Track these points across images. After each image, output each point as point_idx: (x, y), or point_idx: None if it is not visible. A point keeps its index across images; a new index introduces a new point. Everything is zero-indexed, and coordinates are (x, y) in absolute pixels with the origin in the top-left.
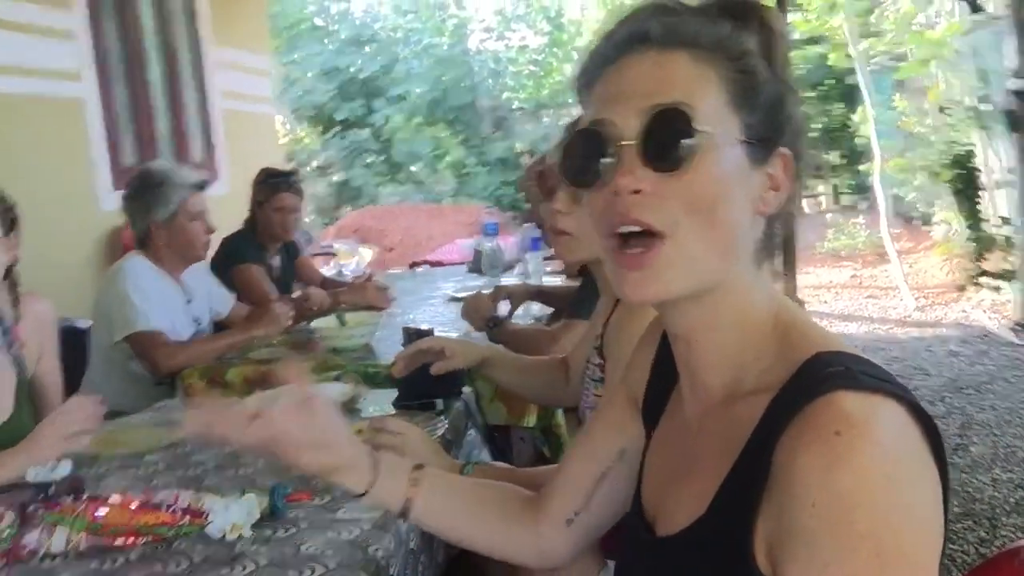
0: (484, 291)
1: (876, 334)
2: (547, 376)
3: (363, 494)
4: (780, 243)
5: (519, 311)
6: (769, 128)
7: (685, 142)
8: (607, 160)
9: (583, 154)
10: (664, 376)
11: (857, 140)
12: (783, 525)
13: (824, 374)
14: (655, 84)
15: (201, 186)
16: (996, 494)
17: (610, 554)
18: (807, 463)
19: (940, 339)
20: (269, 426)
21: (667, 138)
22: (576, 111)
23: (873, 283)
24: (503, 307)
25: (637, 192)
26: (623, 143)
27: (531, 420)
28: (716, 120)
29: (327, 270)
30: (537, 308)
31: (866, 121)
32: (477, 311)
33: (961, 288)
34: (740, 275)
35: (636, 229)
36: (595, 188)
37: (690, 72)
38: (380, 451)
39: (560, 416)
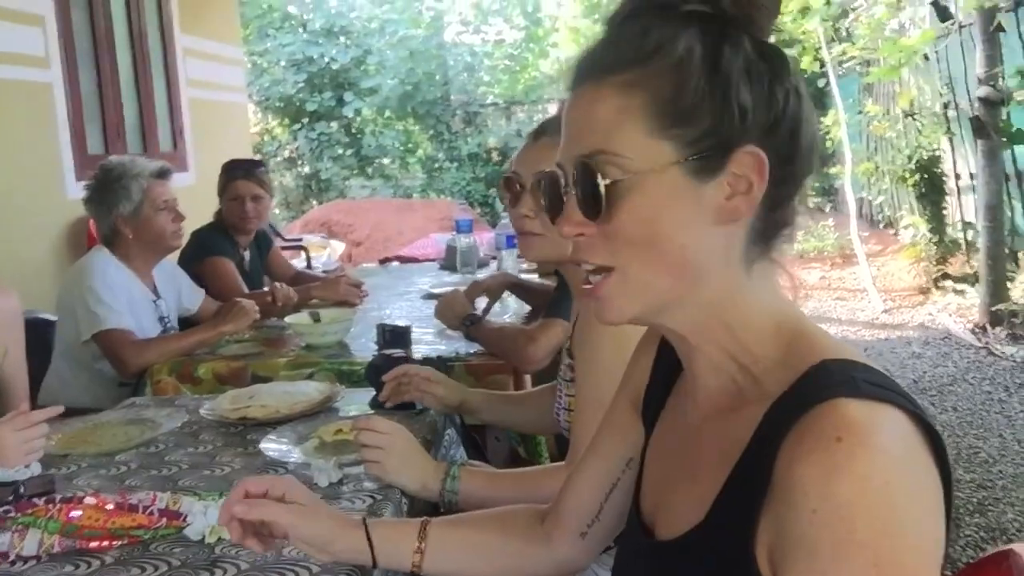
0: (459, 288)
1: (845, 336)
2: (538, 407)
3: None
4: (785, 236)
5: (496, 307)
6: (719, 134)
7: (605, 190)
8: (561, 204)
9: (549, 193)
10: (664, 376)
11: (824, 144)
12: (783, 532)
13: (826, 381)
14: (582, 129)
15: (163, 173)
16: (959, 494)
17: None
18: (807, 470)
19: (904, 341)
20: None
21: (589, 188)
22: (548, 109)
23: (841, 285)
24: (480, 303)
25: (580, 235)
26: (568, 191)
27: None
28: (642, 154)
29: (297, 263)
30: (514, 302)
31: (837, 124)
32: (452, 309)
33: (926, 291)
34: (716, 288)
35: (587, 266)
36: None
37: (612, 108)
38: (371, 521)
39: None
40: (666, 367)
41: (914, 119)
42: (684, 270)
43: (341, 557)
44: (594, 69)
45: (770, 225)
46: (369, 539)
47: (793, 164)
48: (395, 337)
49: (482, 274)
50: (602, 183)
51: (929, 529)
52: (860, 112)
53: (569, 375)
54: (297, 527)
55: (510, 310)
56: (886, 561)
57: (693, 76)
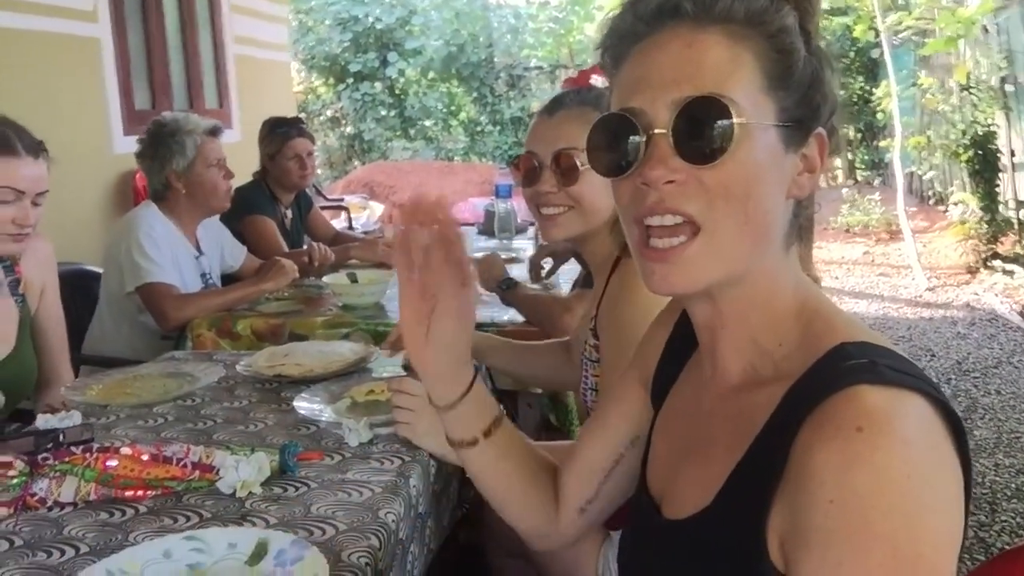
0: (495, 252)
1: (887, 313)
2: (548, 360)
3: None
4: (808, 224)
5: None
6: (805, 109)
7: (720, 133)
8: (636, 149)
9: (610, 142)
10: (677, 353)
11: (876, 115)
12: (797, 520)
13: (846, 366)
14: (687, 71)
15: (215, 131)
16: (997, 479)
17: (613, 525)
18: (825, 459)
19: (949, 321)
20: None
21: (701, 130)
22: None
23: (886, 261)
24: (546, 264)
25: (670, 183)
26: (655, 133)
27: (539, 387)
28: (751, 107)
29: (337, 223)
30: (568, 268)
31: (888, 96)
32: (490, 271)
33: (974, 270)
34: (770, 262)
35: (667, 221)
36: (623, 177)
37: (724, 55)
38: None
39: None
40: (680, 344)
41: (970, 93)
42: (763, 236)
43: (440, 374)
44: (696, 12)
45: (800, 211)
46: (470, 385)
47: (833, 154)
48: None
49: (519, 240)
50: (722, 124)
51: (949, 519)
52: (914, 84)
53: (595, 355)
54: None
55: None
56: (904, 553)
57: (798, 45)
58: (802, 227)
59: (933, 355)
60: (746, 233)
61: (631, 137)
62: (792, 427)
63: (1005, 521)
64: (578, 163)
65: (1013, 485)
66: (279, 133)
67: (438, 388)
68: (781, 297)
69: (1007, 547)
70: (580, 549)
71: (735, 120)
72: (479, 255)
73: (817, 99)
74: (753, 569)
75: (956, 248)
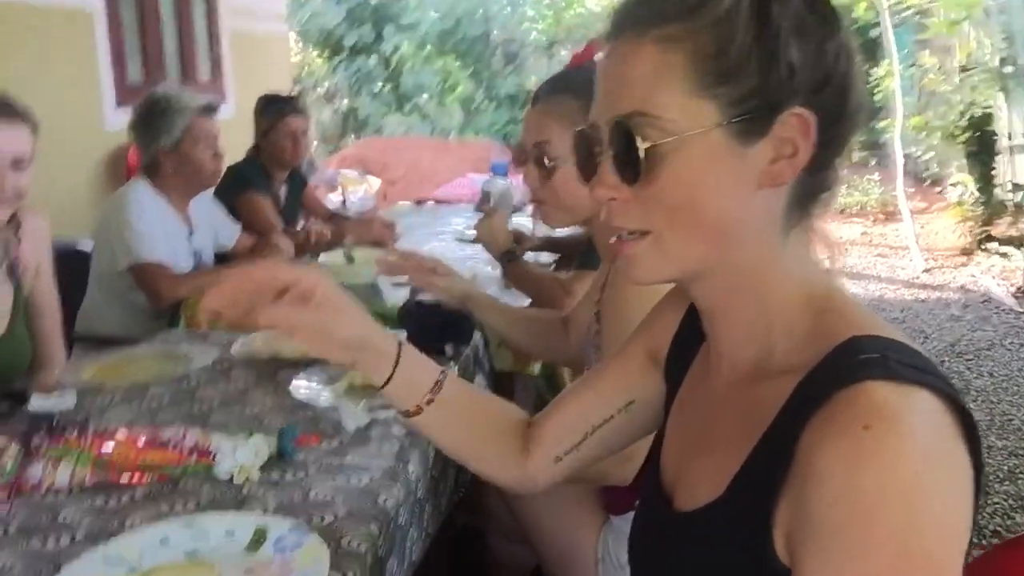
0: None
1: (883, 294)
2: (541, 330)
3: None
4: (824, 200)
5: (527, 255)
6: (761, 97)
7: (644, 152)
8: (595, 165)
9: (582, 154)
10: (690, 338)
11: (874, 96)
12: (803, 517)
13: (856, 360)
14: (618, 88)
15: (208, 109)
16: (990, 460)
17: (614, 510)
18: (832, 457)
19: (943, 303)
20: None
21: (625, 151)
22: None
23: (883, 241)
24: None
25: (613, 199)
26: (604, 153)
27: (536, 368)
28: (683, 115)
29: (333, 197)
30: (546, 257)
31: (889, 76)
32: (495, 236)
33: (969, 252)
34: (751, 254)
35: (622, 233)
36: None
37: (649, 67)
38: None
39: None
40: (692, 331)
41: (969, 74)
42: (721, 237)
43: (359, 361)
44: (634, 22)
45: (810, 189)
46: (397, 358)
47: (840, 126)
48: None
49: (517, 218)
50: (640, 146)
51: (957, 517)
52: (913, 64)
53: (597, 341)
54: (331, 325)
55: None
56: (911, 552)
57: (739, 31)
58: (811, 210)
59: (927, 337)
60: (696, 237)
61: (592, 155)
62: (800, 422)
63: (997, 503)
64: (546, 160)
65: (1006, 467)
66: (274, 110)
67: (363, 371)
68: (780, 288)
69: (999, 529)
70: (579, 533)
71: (660, 136)
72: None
73: (781, 80)
74: (761, 563)
75: (953, 229)
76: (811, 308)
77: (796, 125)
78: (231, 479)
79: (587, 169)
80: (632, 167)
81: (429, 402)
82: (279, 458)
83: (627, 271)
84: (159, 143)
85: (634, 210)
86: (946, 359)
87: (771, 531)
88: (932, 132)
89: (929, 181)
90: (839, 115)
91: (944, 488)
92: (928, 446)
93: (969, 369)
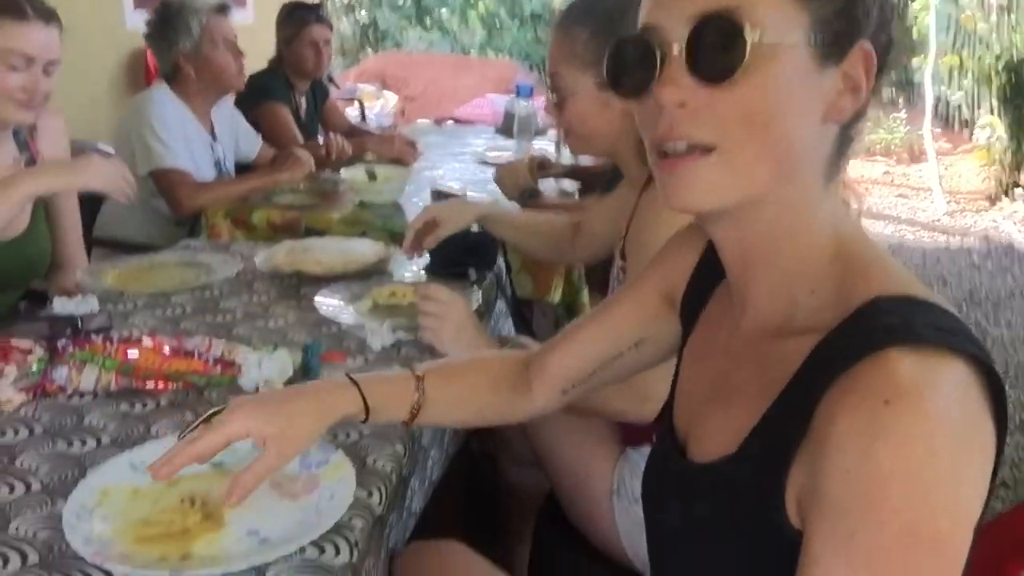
0: (520, 159)
1: (903, 237)
2: (552, 235)
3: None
4: (854, 151)
5: (549, 182)
6: (846, 21)
7: (736, 51)
8: (652, 69)
9: (628, 62)
10: (706, 279)
11: (908, 32)
12: (816, 484)
13: (880, 325)
14: None
15: (222, 8)
16: None
17: (631, 442)
18: (848, 429)
19: (964, 249)
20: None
21: (716, 47)
22: None
23: (905, 182)
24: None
25: (683, 106)
26: (669, 51)
27: (556, 296)
28: (777, 20)
29: (351, 112)
30: (569, 184)
31: (926, 10)
32: (514, 179)
33: (994, 198)
34: (800, 193)
35: (680, 147)
36: (640, 99)
37: None
38: (360, 379)
39: (585, 295)
40: (709, 271)
41: (1010, 15)
42: (785, 164)
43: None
44: None
45: (850, 135)
46: (364, 400)
47: (887, 65)
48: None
49: (539, 142)
50: (748, 38)
51: (971, 491)
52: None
53: (622, 277)
54: (285, 457)
55: (562, 190)
56: (920, 529)
57: None
58: (847, 158)
59: (946, 283)
60: (766, 159)
61: (647, 56)
62: (819, 388)
63: (1008, 454)
64: (557, 91)
65: (1018, 418)
66: (296, 18)
67: (333, 423)
68: (815, 236)
69: (1007, 480)
70: (595, 463)
71: (755, 36)
72: (497, 155)
73: (860, 9)
74: (772, 523)
75: (978, 173)
76: (837, 263)
77: (863, 60)
78: (256, 391)
79: (639, 77)
80: (721, 66)
81: (416, 407)
82: (304, 374)
83: (677, 193)
84: (177, 47)
85: (707, 118)
86: (964, 307)
87: (783, 494)
88: (965, 73)
89: (957, 123)
90: (888, 54)
91: (960, 463)
92: (948, 421)
93: (986, 319)
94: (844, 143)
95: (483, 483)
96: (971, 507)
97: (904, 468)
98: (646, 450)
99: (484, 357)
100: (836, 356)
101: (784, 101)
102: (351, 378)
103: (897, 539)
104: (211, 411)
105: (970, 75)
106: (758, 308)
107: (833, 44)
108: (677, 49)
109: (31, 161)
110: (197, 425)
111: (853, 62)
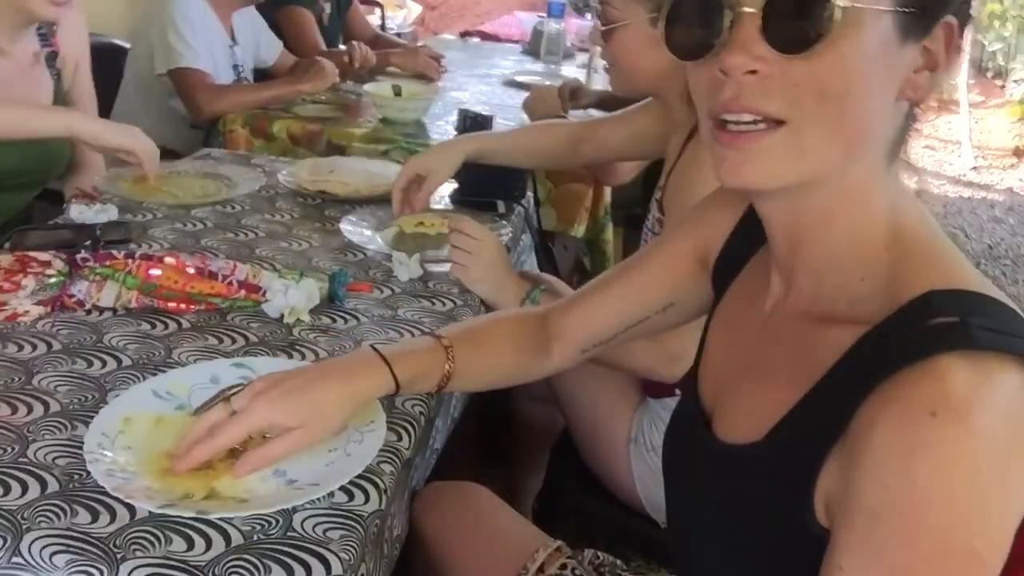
0: (551, 86)
1: (926, 189)
2: (546, 150)
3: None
4: (913, 133)
5: (578, 112)
6: None
7: (820, 17)
8: (719, 30)
9: (691, 18)
10: (744, 245)
11: None
12: (849, 492)
13: (932, 326)
14: None
15: None
16: None
17: (653, 393)
18: (891, 439)
19: (988, 203)
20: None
21: (798, 11)
22: None
23: (934, 133)
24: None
25: (752, 73)
26: (742, 11)
27: (580, 230)
28: None
29: (372, 20)
30: (597, 113)
31: None
32: (543, 108)
33: (1022, 154)
34: (865, 173)
35: (744, 118)
36: (700, 62)
37: None
38: (388, 353)
39: (609, 232)
40: (745, 237)
41: None
42: (856, 145)
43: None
44: None
45: (914, 115)
46: (394, 375)
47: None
48: (476, 126)
49: (567, 65)
50: (825, 6)
51: (1012, 508)
52: None
53: (658, 229)
54: (312, 441)
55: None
56: (955, 549)
57: None
58: (910, 138)
59: (967, 236)
60: (839, 136)
61: (715, 14)
62: (859, 390)
63: None
64: (606, 18)
65: None
66: None
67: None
68: (871, 219)
69: None
70: (614, 409)
71: (842, 2)
72: (525, 79)
73: None
74: (797, 520)
75: (1009, 129)
76: (892, 250)
77: (946, 37)
78: (281, 318)
79: (692, 38)
80: (801, 33)
81: (440, 387)
82: (330, 302)
83: (737, 170)
84: None
85: (779, 89)
86: (982, 261)
87: (812, 493)
88: (1005, 21)
89: (992, 73)
90: (962, 32)
91: (1006, 482)
92: (996, 437)
93: (1004, 275)
94: (910, 123)
95: (499, 422)
96: (1010, 525)
97: (944, 487)
98: (668, 402)
99: (505, 318)
100: (881, 356)
101: (865, 75)
102: (379, 352)
103: (928, 558)
104: (229, 389)
105: (1010, 24)
106: (802, 289)
107: (919, 17)
108: (752, 10)
109: (52, 56)
110: (215, 402)
111: (936, 37)
